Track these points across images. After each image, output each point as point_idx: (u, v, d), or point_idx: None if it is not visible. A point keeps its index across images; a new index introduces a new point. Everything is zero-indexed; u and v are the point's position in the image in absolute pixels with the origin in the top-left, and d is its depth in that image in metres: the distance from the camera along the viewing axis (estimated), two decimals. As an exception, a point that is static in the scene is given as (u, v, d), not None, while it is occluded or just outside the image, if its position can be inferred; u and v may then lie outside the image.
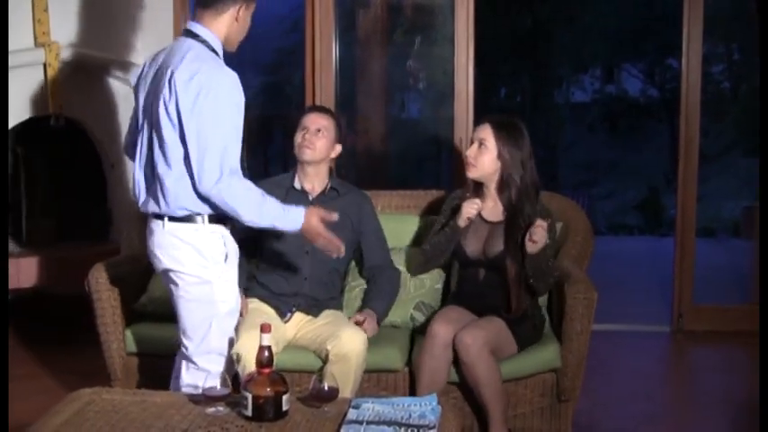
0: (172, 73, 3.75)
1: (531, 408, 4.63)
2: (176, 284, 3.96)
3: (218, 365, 4.02)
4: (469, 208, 4.54)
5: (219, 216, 3.89)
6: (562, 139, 21.52)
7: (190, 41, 3.88)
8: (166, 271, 3.97)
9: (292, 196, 4.73)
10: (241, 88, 3.82)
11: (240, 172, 3.81)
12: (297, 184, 4.82)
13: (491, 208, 4.66)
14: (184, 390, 4.01)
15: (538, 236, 4.35)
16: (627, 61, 21.86)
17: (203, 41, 3.88)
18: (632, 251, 11.86)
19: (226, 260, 3.96)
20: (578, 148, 21.73)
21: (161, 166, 3.84)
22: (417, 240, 5.29)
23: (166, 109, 3.76)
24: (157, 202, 3.88)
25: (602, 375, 5.94)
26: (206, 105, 3.71)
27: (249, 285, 4.75)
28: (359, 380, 4.46)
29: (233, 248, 4.01)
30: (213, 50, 3.89)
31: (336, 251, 4.05)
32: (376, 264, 4.90)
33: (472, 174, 4.63)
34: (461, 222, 4.56)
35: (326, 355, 4.42)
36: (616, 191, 20.81)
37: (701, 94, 6.90)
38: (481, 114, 6.64)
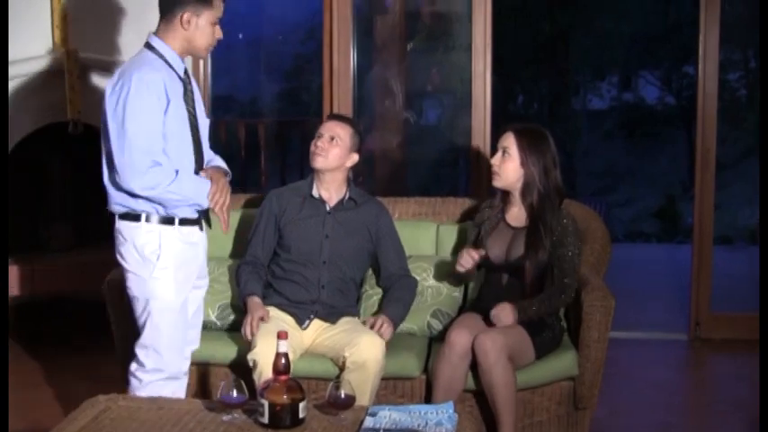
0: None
1: (548, 416, 4.62)
2: (124, 278, 4.24)
3: (153, 362, 4.22)
4: (463, 261, 4.57)
5: (163, 217, 4.12)
6: (579, 147, 21.45)
7: (145, 53, 4.13)
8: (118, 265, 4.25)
9: (309, 205, 4.74)
10: (158, 88, 4.01)
11: (160, 165, 4.02)
12: (315, 193, 4.81)
13: (516, 213, 4.68)
14: (130, 376, 4.24)
15: (497, 321, 4.45)
16: (644, 68, 21.77)
17: (158, 53, 4.11)
18: (649, 259, 11.81)
19: (158, 259, 4.13)
20: (595, 156, 21.66)
21: (103, 167, 4.15)
22: (436, 248, 5.29)
23: (104, 112, 4.06)
24: (106, 201, 4.19)
25: (619, 383, 5.93)
26: (120, 106, 3.97)
27: (266, 293, 4.74)
28: (376, 387, 4.46)
29: (172, 250, 4.15)
30: (167, 62, 4.12)
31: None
32: (393, 272, 4.88)
33: (497, 183, 4.66)
34: (458, 269, 4.61)
35: (344, 363, 4.42)
36: (633, 198, 20.73)
37: (717, 101, 6.88)
38: (499, 122, 6.65)
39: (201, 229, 4.28)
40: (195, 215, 4.20)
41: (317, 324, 4.67)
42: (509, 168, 4.59)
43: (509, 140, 4.61)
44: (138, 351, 4.24)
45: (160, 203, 4.08)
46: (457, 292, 4.96)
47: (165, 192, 4.02)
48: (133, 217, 4.14)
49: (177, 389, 4.31)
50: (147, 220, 4.13)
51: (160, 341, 4.20)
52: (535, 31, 19.56)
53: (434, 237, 5.31)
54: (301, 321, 4.66)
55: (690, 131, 18.20)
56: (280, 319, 4.60)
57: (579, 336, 4.57)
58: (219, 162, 4.38)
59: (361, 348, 4.38)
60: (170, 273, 4.16)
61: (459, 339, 4.43)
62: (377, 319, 4.62)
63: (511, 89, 20.39)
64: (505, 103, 19.72)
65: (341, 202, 4.82)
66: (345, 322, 4.68)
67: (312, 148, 4.77)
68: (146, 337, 4.21)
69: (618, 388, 5.84)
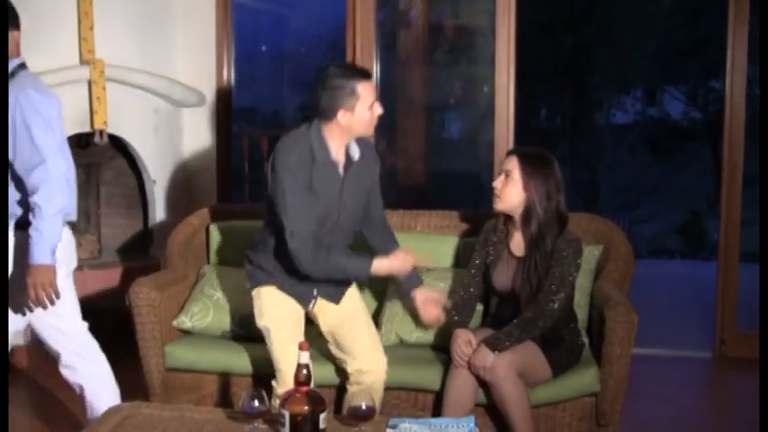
0: None
1: None
2: None
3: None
4: (457, 354, 4.51)
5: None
6: (603, 162, 21.42)
7: (22, 73, 4.35)
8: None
9: (325, 169, 4.39)
10: (40, 106, 4.28)
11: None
12: (332, 156, 4.41)
13: (518, 241, 4.63)
14: None
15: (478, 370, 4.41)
16: (669, 83, 21.74)
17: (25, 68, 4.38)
18: (674, 275, 11.76)
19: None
20: (619, 171, 21.62)
21: None
22: (455, 262, 5.28)
23: None
24: None
25: (641, 400, 5.90)
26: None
27: (267, 273, 4.51)
28: (381, 398, 4.57)
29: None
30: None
31: None
32: (378, 217, 4.72)
33: (498, 206, 4.60)
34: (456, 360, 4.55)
35: (347, 372, 4.53)
36: (657, 214, 20.68)
37: (744, 116, 6.84)
38: (521, 135, 6.64)
39: None
40: None
41: (321, 303, 4.59)
42: (511, 192, 4.54)
43: (512, 164, 4.55)
44: None
45: None
46: (479, 306, 4.94)
47: None
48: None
49: None
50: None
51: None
52: (559, 45, 19.55)
53: (456, 250, 5.30)
54: (307, 302, 4.55)
55: (716, 147, 18.10)
56: (285, 307, 4.50)
57: (602, 351, 4.55)
58: None
59: (365, 372, 4.49)
60: None
61: (468, 352, 4.45)
62: (399, 255, 4.56)
63: (534, 103, 20.37)
64: (528, 117, 19.70)
65: (350, 161, 4.48)
66: (348, 303, 4.62)
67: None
68: None
69: (640, 405, 5.81)
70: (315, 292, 4.52)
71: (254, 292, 4.51)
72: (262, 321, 4.47)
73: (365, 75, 4.27)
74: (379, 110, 4.27)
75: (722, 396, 6.58)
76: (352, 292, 4.66)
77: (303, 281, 4.42)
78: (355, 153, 4.40)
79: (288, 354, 4.32)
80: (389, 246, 4.67)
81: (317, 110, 4.28)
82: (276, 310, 4.45)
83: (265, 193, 4.39)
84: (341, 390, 4.69)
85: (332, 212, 4.34)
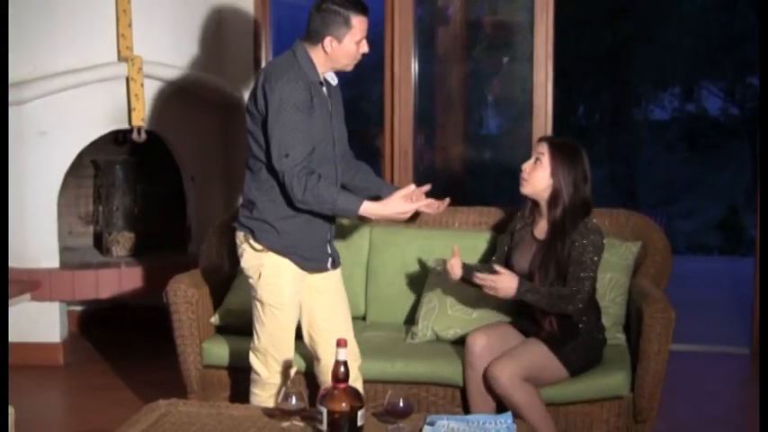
0: None
1: (608, 428, 4.60)
2: None
3: None
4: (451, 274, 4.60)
5: None
6: (641, 158, 21.33)
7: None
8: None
9: (315, 92, 4.26)
10: None
11: None
12: (320, 76, 4.30)
13: (542, 226, 4.65)
14: None
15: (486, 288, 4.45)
16: (707, 79, 21.63)
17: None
18: (712, 271, 11.70)
19: None
20: (657, 167, 21.52)
21: None
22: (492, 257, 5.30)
23: None
24: None
25: (679, 397, 5.87)
26: None
27: (281, 236, 4.24)
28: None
29: None
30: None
31: None
32: (347, 150, 4.55)
33: (524, 189, 4.63)
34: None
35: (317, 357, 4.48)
36: (695, 210, 20.58)
37: (782, 111, 6.80)
38: (559, 131, 6.63)
39: None
40: None
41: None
42: (538, 176, 4.57)
43: (543, 149, 4.59)
44: None
45: None
46: (510, 301, 4.93)
47: None
48: None
49: None
50: None
51: None
52: (597, 41, 19.48)
53: (493, 246, 5.30)
54: (324, 264, 4.39)
55: (753, 143, 18.01)
56: (298, 281, 4.33)
57: (639, 348, 4.53)
58: None
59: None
60: None
61: (473, 340, 4.53)
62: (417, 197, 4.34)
63: (572, 99, 20.31)
64: (567, 113, 19.64)
65: (329, 86, 4.36)
66: (334, 284, 4.48)
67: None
68: None
69: (678, 401, 5.79)
70: (329, 250, 4.38)
71: (264, 254, 4.24)
72: (266, 295, 4.28)
73: (363, 9, 4.17)
74: (365, 48, 4.21)
75: (760, 392, 6.54)
76: (338, 271, 4.51)
77: (314, 236, 4.27)
78: (333, 78, 4.35)
79: (285, 340, 4.30)
80: (376, 183, 4.57)
81: (306, 29, 4.20)
82: (289, 288, 4.30)
83: (248, 133, 4.22)
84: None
85: (324, 137, 4.22)
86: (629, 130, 21.10)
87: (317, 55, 4.18)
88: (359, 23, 4.15)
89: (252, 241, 4.25)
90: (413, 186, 4.31)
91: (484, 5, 8.33)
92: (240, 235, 4.31)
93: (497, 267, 4.45)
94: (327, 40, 4.13)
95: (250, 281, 4.32)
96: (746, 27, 17.77)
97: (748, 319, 7.10)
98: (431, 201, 4.40)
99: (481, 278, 4.43)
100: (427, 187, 4.45)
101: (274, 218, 4.19)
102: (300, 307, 4.39)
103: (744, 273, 8.35)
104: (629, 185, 20.25)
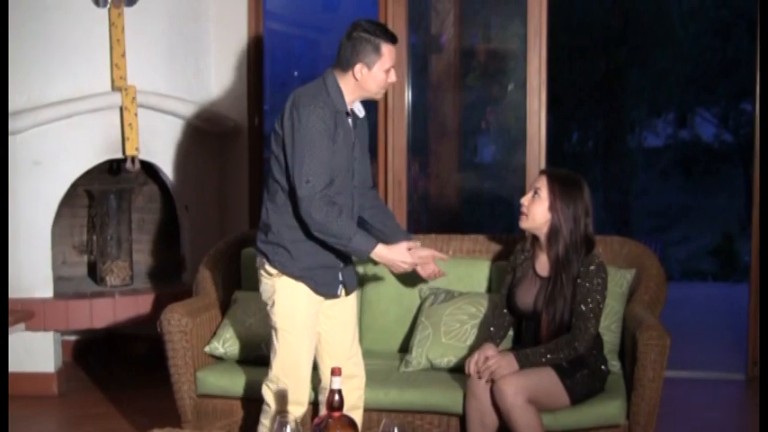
0: None
1: (603, 455, 4.59)
2: None
3: None
4: (473, 361, 4.50)
5: None
6: (635, 185, 21.36)
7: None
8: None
9: (340, 121, 4.29)
10: None
11: None
12: (347, 106, 4.34)
13: (544, 262, 4.63)
14: None
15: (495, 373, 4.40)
16: (700, 106, 21.70)
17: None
18: (706, 297, 11.69)
19: None
20: (651, 194, 21.56)
21: None
22: (488, 286, 5.29)
23: None
24: None
25: (674, 423, 5.86)
26: None
27: (295, 260, 4.26)
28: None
29: None
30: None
31: None
32: (368, 179, 4.60)
33: (523, 224, 4.61)
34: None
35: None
36: (690, 236, 20.60)
37: (775, 137, 6.81)
38: (553, 159, 6.64)
39: None
40: None
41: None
42: (537, 210, 4.54)
43: (541, 183, 4.57)
44: None
45: None
46: (510, 330, 4.93)
47: None
48: None
49: None
50: None
51: None
52: (590, 68, 19.52)
53: (488, 274, 5.30)
54: (334, 290, 4.41)
55: (747, 169, 18.05)
56: (314, 305, 4.35)
57: (634, 375, 4.53)
58: None
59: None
60: None
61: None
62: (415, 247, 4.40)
63: (566, 127, 20.34)
64: (560, 140, 19.68)
65: (356, 117, 4.40)
66: (348, 311, 4.53)
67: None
68: None
69: (674, 428, 5.78)
70: (341, 277, 4.40)
71: (277, 279, 4.27)
72: (279, 320, 4.29)
73: (393, 38, 4.26)
74: (393, 77, 4.28)
75: (756, 419, 6.54)
76: (353, 298, 4.55)
77: (327, 262, 4.28)
78: (360, 110, 4.39)
79: (296, 368, 4.30)
80: (392, 230, 4.60)
81: (336, 58, 4.26)
82: (302, 313, 4.30)
83: (272, 154, 4.24)
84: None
85: (345, 167, 4.25)
86: (623, 157, 21.12)
87: (347, 83, 4.23)
88: (388, 52, 4.23)
89: (267, 267, 4.28)
90: (419, 243, 4.48)
91: (477, 33, 8.36)
92: (257, 260, 4.36)
93: (487, 353, 4.44)
94: (358, 67, 4.19)
95: (267, 309, 4.34)
96: (740, 53, 17.82)
97: (743, 344, 7.09)
98: (432, 266, 4.60)
99: (480, 373, 4.43)
100: (440, 255, 4.60)
101: (289, 241, 4.22)
102: None
103: (739, 299, 8.35)
104: (623, 213, 20.26)
